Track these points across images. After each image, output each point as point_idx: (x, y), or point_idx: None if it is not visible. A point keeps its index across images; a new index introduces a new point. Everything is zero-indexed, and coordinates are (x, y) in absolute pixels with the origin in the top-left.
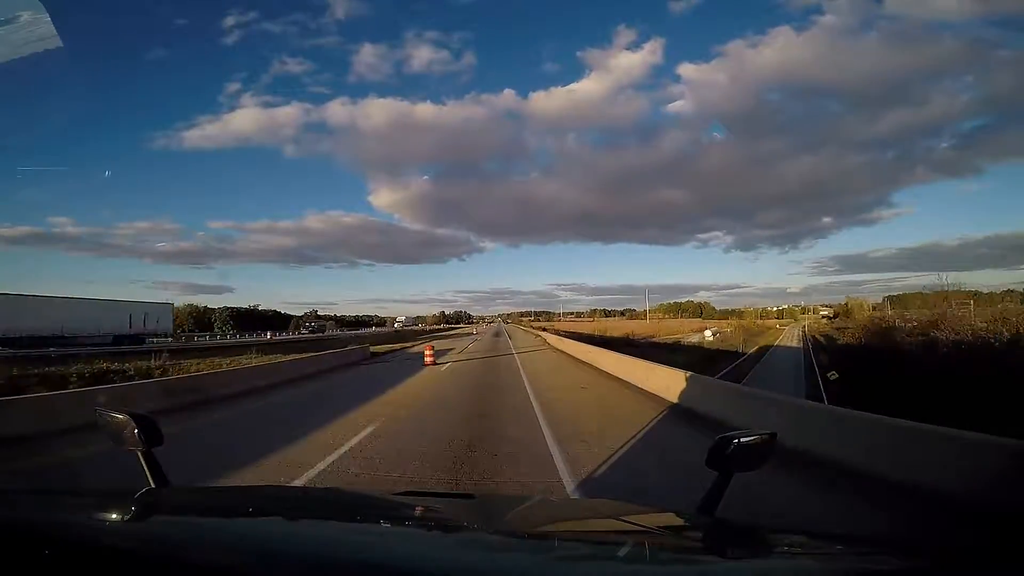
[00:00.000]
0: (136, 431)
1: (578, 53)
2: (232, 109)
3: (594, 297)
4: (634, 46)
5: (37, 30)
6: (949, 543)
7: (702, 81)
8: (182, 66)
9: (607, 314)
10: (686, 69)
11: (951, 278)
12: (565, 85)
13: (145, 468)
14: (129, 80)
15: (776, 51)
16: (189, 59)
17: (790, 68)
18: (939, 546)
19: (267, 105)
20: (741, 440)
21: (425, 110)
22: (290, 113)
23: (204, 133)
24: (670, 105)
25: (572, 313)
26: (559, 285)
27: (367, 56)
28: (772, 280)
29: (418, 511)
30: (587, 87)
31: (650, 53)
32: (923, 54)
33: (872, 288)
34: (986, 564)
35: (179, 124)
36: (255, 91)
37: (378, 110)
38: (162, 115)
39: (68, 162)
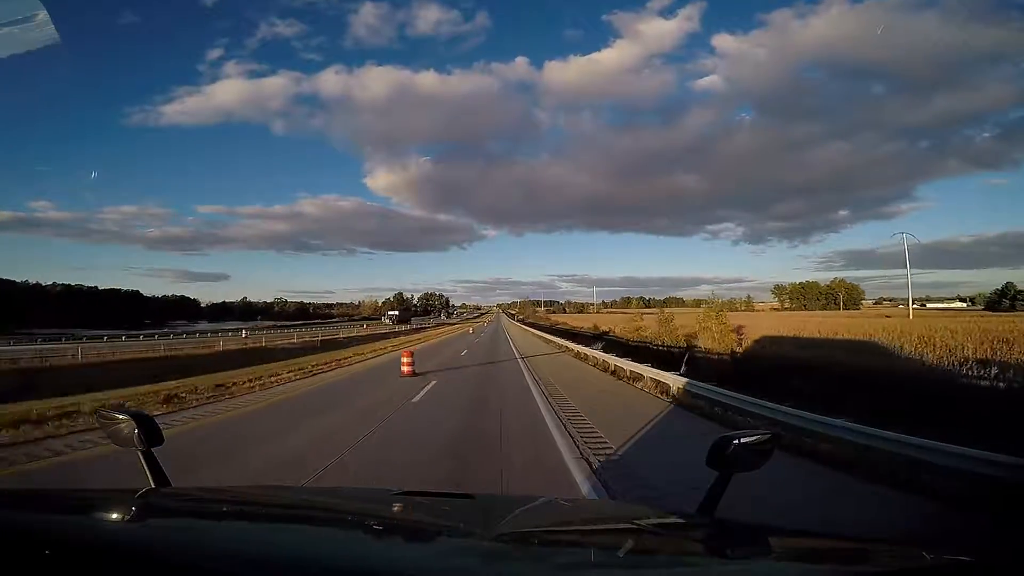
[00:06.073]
0: (136, 431)
1: (604, 17)
2: (214, 80)
3: (596, 289)
4: (668, 12)
5: (39, 32)
6: (949, 543)
7: (738, 54)
8: (156, 28)
9: (647, 304)
10: (722, 40)
11: (954, 276)
12: (586, 54)
13: (145, 468)
14: (96, 46)
15: (826, 24)
16: (164, 20)
17: (838, 44)
18: (939, 547)
19: (253, 75)
20: (741, 440)
21: (428, 79)
22: (279, 83)
23: (184, 107)
24: (699, 81)
25: (603, 303)
26: (561, 276)
27: (367, 16)
28: (777, 275)
29: (419, 514)
30: (610, 56)
31: (686, 20)
32: (987, 35)
33: (874, 285)
34: (986, 565)
35: (156, 98)
36: (239, 58)
37: (376, 79)
38: (136, 86)
39: (39, 139)
